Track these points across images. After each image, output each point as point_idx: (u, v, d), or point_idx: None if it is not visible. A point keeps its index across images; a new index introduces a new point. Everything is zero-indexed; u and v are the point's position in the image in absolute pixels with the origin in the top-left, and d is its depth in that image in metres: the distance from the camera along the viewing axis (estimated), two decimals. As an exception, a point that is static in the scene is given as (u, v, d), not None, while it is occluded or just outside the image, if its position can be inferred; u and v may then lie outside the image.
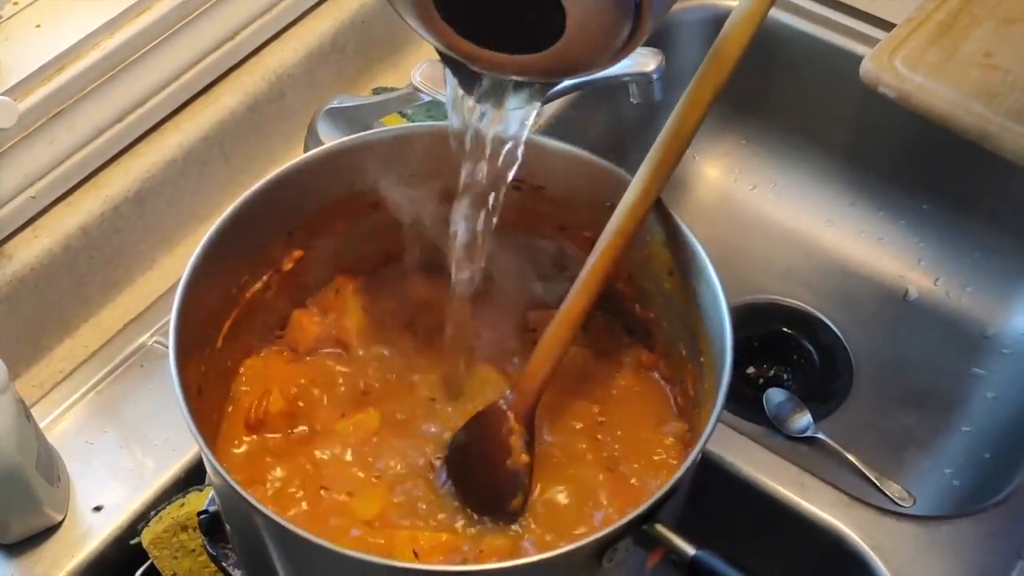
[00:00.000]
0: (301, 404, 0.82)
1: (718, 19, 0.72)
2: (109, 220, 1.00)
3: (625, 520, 0.64)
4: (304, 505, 0.77)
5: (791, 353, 1.19)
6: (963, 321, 1.20)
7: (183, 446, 0.91)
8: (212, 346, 0.79)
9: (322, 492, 0.77)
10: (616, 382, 0.84)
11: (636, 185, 0.75)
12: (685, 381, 0.81)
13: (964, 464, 1.09)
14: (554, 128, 1.14)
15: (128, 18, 1.00)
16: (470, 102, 0.68)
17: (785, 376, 1.18)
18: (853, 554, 0.87)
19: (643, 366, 0.85)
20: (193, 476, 0.90)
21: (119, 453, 0.91)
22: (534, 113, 0.68)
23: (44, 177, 0.97)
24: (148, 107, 1.03)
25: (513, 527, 0.76)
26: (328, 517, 0.76)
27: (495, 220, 0.74)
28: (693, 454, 0.67)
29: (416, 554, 0.72)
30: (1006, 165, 0.97)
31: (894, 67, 1.02)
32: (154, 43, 1.02)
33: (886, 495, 1.05)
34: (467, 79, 0.66)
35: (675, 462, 0.79)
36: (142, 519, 0.87)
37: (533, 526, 0.76)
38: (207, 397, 0.77)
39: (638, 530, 0.65)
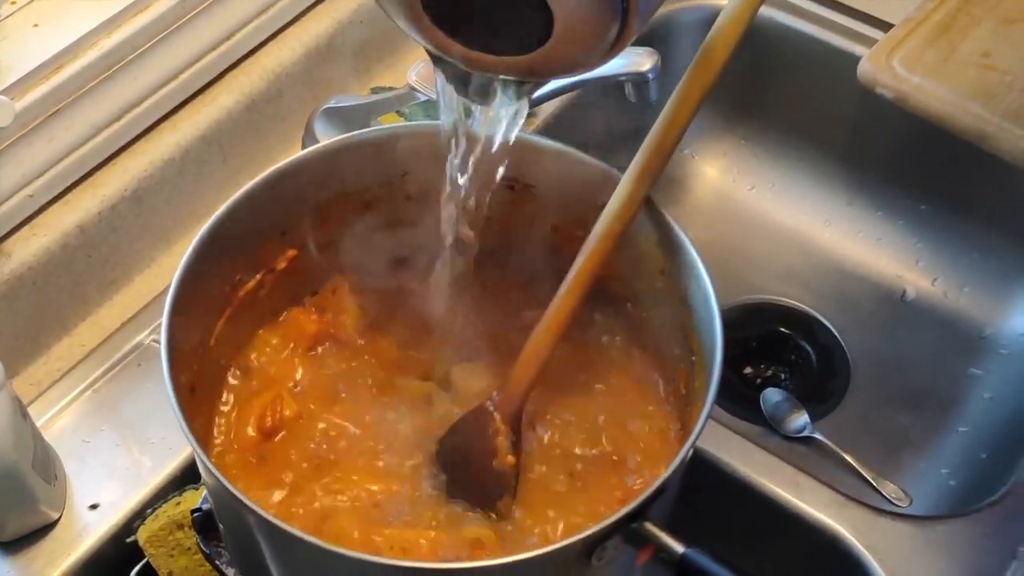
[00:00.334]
0: (312, 406, 0.82)
1: (714, 20, 0.73)
2: (107, 219, 1.01)
3: (614, 518, 0.64)
4: (299, 503, 0.77)
5: (788, 353, 1.20)
6: (961, 321, 1.20)
7: (180, 445, 0.91)
8: (206, 345, 0.79)
9: (315, 489, 0.77)
10: (609, 380, 0.84)
11: (623, 187, 0.75)
12: (677, 380, 0.81)
13: (961, 464, 1.09)
14: (552, 128, 1.14)
15: (126, 17, 1.01)
16: (460, 101, 0.68)
17: (782, 376, 1.18)
18: (848, 554, 0.87)
19: (636, 365, 0.85)
20: (190, 474, 0.90)
21: (116, 451, 0.92)
22: (524, 111, 0.68)
23: (42, 176, 0.97)
24: (146, 106, 1.03)
25: (503, 525, 0.76)
26: (320, 514, 0.76)
27: (482, 218, 0.75)
28: (682, 452, 0.67)
29: (405, 551, 0.72)
30: (1004, 166, 0.97)
31: (892, 68, 1.02)
32: (152, 42, 1.02)
33: (883, 495, 1.05)
34: (457, 78, 0.67)
35: (666, 460, 0.79)
36: (138, 517, 0.87)
37: (524, 523, 0.76)
38: (200, 396, 0.78)
39: (627, 528, 0.65)
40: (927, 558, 0.86)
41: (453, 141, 0.72)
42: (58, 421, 0.93)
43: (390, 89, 1.11)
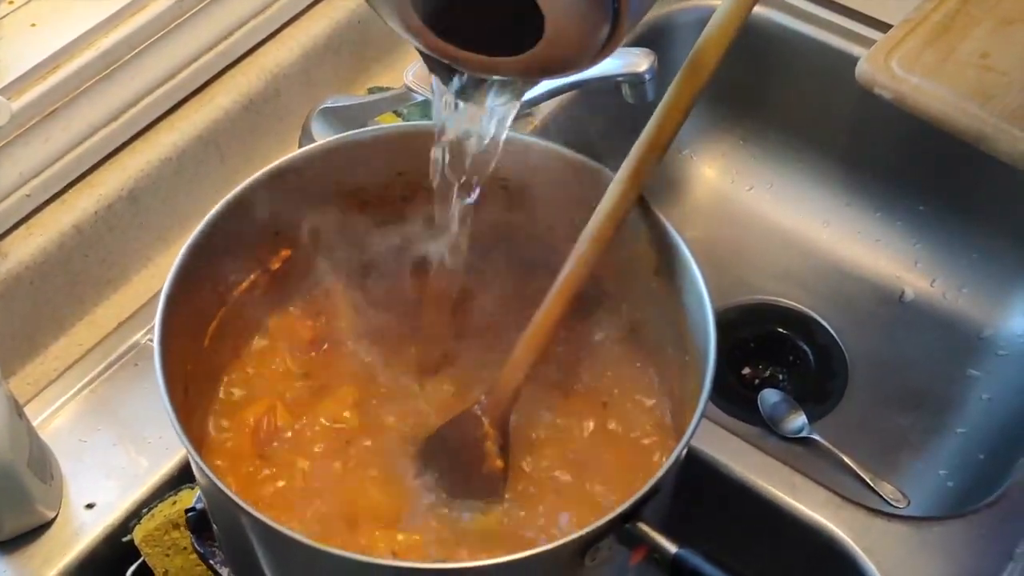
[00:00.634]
0: (306, 407, 0.82)
1: (711, 20, 0.73)
2: (104, 219, 1.01)
3: (607, 518, 0.64)
4: (293, 503, 0.77)
5: (786, 354, 1.19)
6: (959, 322, 1.20)
7: (176, 444, 0.90)
8: (199, 345, 0.79)
9: (308, 488, 0.77)
10: (602, 380, 0.84)
11: (614, 189, 0.75)
12: (672, 380, 0.81)
13: (958, 465, 1.09)
14: (549, 128, 1.14)
15: (123, 17, 1.01)
16: (452, 100, 0.68)
17: (780, 377, 1.17)
18: (844, 555, 0.87)
19: (629, 365, 0.85)
20: (186, 474, 0.90)
21: (112, 451, 0.92)
22: (514, 111, 0.68)
23: (39, 175, 0.97)
24: (143, 106, 1.03)
25: (494, 526, 0.76)
26: (313, 515, 0.76)
27: (470, 218, 0.75)
28: (675, 452, 0.67)
29: (397, 552, 0.72)
30: (1003, 167, 0.97)
31: (890, 68, 1.02)
32: (149, 42, 1.02)
33: (880, 496, 1.05)
34: (449, 78, 0.67)
35: (661, 460, 0.79)
36: (134, 517, 0.87)
37: (516, 524, 0.76)
38: (194, 396, 0.78)
39: (620, 528, 0.65)
40: (924, 559, 0.86)
41: (446, 140, 0.72)
42: (54, 420, 0.93)
43: (387, 89, 1.11)
